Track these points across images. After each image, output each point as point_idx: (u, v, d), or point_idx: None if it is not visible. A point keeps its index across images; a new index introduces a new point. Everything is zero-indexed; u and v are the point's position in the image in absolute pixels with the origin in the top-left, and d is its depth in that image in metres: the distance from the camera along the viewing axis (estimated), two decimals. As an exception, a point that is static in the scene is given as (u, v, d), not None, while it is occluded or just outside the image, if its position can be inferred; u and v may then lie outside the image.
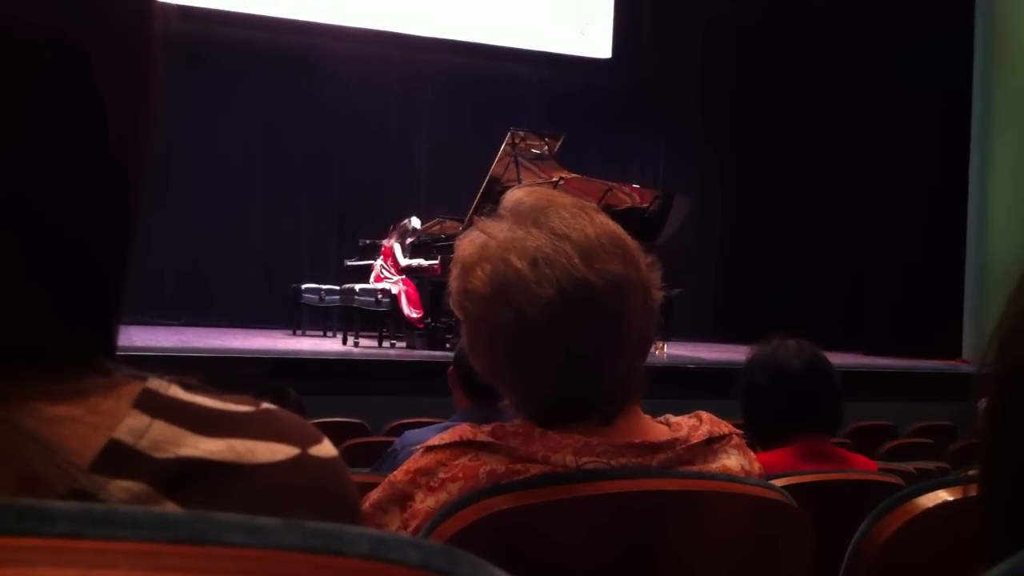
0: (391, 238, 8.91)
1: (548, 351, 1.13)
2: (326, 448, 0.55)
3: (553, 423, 1.17)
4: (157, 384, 0.51)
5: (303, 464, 0.52)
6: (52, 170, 0.49)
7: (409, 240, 8.89)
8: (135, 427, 0.48)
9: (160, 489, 0.47)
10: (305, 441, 0.53)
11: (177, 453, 0.48)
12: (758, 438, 2.29)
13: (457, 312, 1.21)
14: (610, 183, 8.74)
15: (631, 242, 1.19)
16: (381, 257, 8.88)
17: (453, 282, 1.20)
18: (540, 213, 1.17)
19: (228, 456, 0.49)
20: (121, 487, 0.46)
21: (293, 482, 0.51)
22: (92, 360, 0.50)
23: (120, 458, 0.47)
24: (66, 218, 0.50)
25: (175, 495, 0.47)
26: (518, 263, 1.13)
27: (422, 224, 9.51)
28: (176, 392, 0.51)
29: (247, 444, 0.50)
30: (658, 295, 1.20)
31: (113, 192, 0.52)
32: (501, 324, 1.14)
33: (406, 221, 8.95)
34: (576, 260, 1.12)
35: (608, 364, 1.15)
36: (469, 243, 1.19)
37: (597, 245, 1.14)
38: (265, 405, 0.54)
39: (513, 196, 1.23)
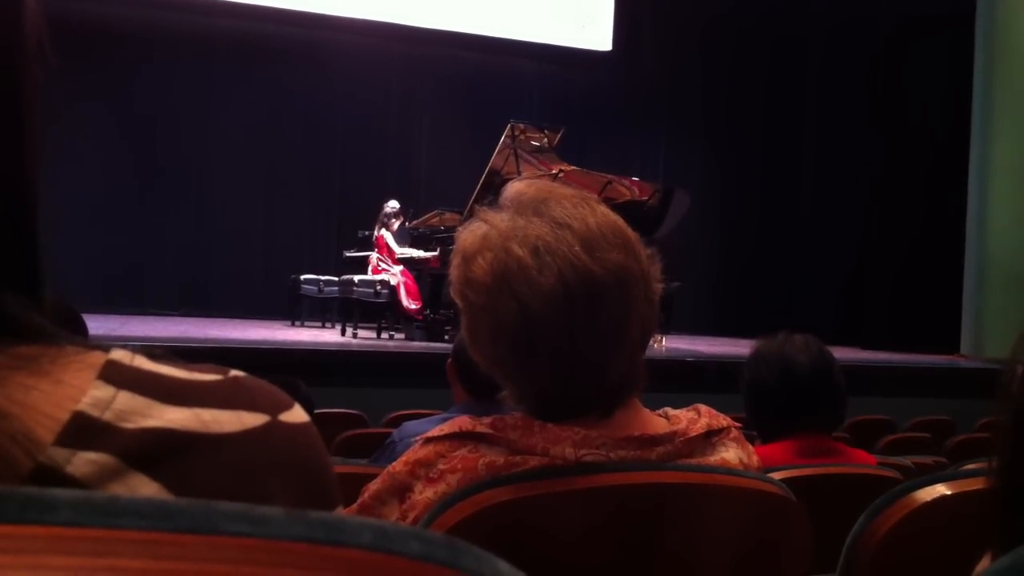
0: (377, 227, 8.91)
1: (550, 341, 1.13)
2: (296, 414, 0.54)
3: (553, 416, 1.17)
4: (121, 355, 0.50)
5: (273, 431, 0.52)
6: None
7: (396, 224, 8.87)
8: (100, 398, 0.47)
9: (126, 461, 0.46)
10: (275, 408, 0.53)
11: (142, 424, 0.47)
12: (759, 431, 2.30)
13: (458, 301, 1.21)
14: (610, 176, 8.74)
15: (631, 233, 1.19)
16: (376, 249, 8.88)
17: (454, 271, 1.20)
18: (541, 203, 1.18)
19: (194, 426, 0.48)
20: (87, 460, 0.45)
21: (262, 450, 0.51)
22: (45, 331, 0.50)
23: (85, 431, 0.46)
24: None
25: (142, 467, 0.46)
26: (520, 251, 1.13)
27: (420, 216, 9.51)
28: (141, 362, 0.51)
29: (213, 413, 0.50)
30: (658, 287, 1.20)
31: (29, 167, 0.52)
32: (503, 313, 1.14)
33: (384, 207, 8.94)
34: (577, 248, 1.13)
35: (610, 355, 1.15)
36: (470, 233, 1.19)
37: (598, 235, 1.14)
38: (233, 373, 0.53)
39: (514, 188, 1.23)
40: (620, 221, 1.19)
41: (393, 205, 8.94)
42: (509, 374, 1.20)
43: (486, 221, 1.19)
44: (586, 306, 1.12)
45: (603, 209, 1.19)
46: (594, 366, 1.15)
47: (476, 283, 1.16)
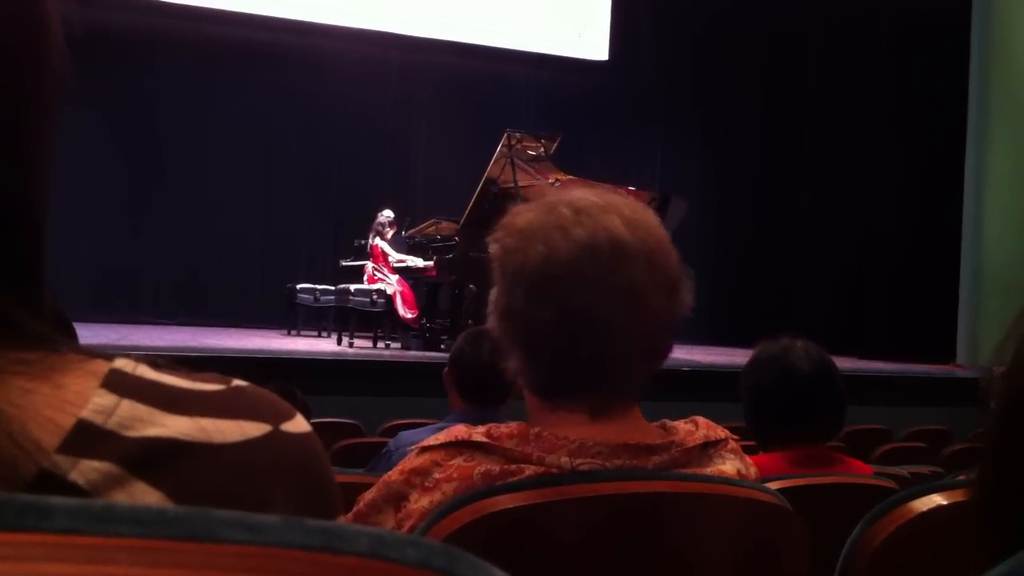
0: (372, 236, 8.90)
1: (567, 294, 1.14)
2: (299, 424, 0.54)
3: (556, 389, 1.18)
4: (124, 363, 0.51)
5: (275, 441, 0.52)
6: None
7: (390, 232, 8.88)
8: (103, 406, 0.48)
9: (129, 469, 0.46)
10: (277, 417, 0.53)
11: (145, 432, 0.47)
12: (757, 437, 2.29)
13: (492, 249, 1.23)
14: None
15: (673, 250, 1.22)
16: (371, 258, 8.88)
17: (499, 226, 1.24)
18: (604, 191, 1.24)
19: (196, 435, 0.49)
20: (90, 467, 0.46)
21: (264, 460, 0.51)
22: (45, 337, 0.50)
23: (88, 438, 0.46)
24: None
25: (144, 475, 0.46)
26: (564, 210, 1.18)
27: (417, 224, 9.52)
28: (144, 371, 0.51)
29: (216, 423, 0.50)
30: (687, 299, 1.22)
31: (38, 175, 0.53)
32: (529, 256, 1.16)
33: (378, 216, 8.95)
34: (617, 220, 1.16)
35: (620, 326, 1.15)
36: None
37: (642, 221, 1.18)
38: (236, 383, 0.54)
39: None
40: (664, 231, 1.22)
41: (388, 214, 8.94)
42: (520, 331, 1.19)
43: (545, 192, 1.24)
44: (610, 267, 1.14)
45: (653, 216, 1.23)
46: (604, 334, 1.15)
47: (513, 228, 1.20)
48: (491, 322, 1.23)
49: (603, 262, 1.14)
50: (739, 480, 1.22)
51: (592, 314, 1.14)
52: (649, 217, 1.21)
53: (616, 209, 1.18)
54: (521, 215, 1.21)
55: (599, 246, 1.14)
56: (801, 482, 1.84)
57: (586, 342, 1.15)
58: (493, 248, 1.22)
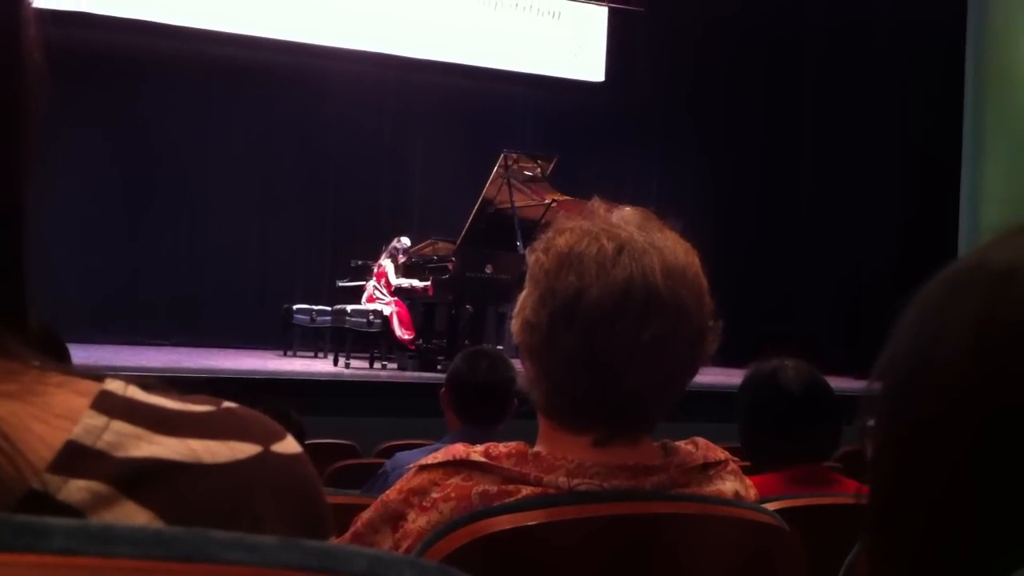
0: (384, 257, 8.95)
1: (590, 333, 1.13)
2: (289, 445, 0.54)
3: (562, 412, 1.18)
4: (115, 385, 0.51)
5: (265, 462, 0.52)
6: None
7: (402, 260, 8.94)
8: (93, 427, 0.47)
9: (119, 489, 0.46)
10: (267, 438, 0.53)
11: (134, 453, 0.47)
12: (753, 459, 2.28)
13: (530, 259, 1.23)
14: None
15: (709, 297, 1.21)
16: (374, 278, 8.90)
17: (542, 239, 1.23)
18: (646, 221, 1.23)
19: (186, 455, 0.48)
20: (80, 487, 0.45)
21: (255, 480, 0.51)
22: (25, 357, 0.50)
23: (78, 458, 0.46)
24: None
25: (134, 495, 0.46)
26: (606, 243, 1.16)
27: (414, 245, 9.54)
28: (134, 392, 0.51)
29: (206, 444, 0.50)
30: (711, 349, 1.21)
31: (20, 195, 0.53)
32: (560, 284, 1.15)
33: (395, 241, 9.01)
34: (657, 265, 1.15)
35: (637, 374, 1.15)
36: (580, 217, 1.24)
37: (680, 267, 1.17)
38: (226, 404, 0.54)
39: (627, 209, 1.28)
40: (705, 282, 1.21)
41: (405, 242, 9.02)
42: (535, 346, 1.19)
43: (597, 213, 1.24)
44: (638, 317, 1.13)
45: (697, 263, 1.21)
46: (615, 372, 1.15)
47: (553, 247, 1.19)
48: (514, 324, 1.23)
49: (633, 311, 1.12)
50: (736, 500, 1.22)
51: (611, 359, 1.13)
52: (690, 261, 1.19)
53: (658, 251, 1.16)
54: (563, 235, 1.20)
55: (632, 292, 1.13)
56: (799, 502, 1.84)
57: (599, 382, 1.15)
58: (531, 258, 1.22)
